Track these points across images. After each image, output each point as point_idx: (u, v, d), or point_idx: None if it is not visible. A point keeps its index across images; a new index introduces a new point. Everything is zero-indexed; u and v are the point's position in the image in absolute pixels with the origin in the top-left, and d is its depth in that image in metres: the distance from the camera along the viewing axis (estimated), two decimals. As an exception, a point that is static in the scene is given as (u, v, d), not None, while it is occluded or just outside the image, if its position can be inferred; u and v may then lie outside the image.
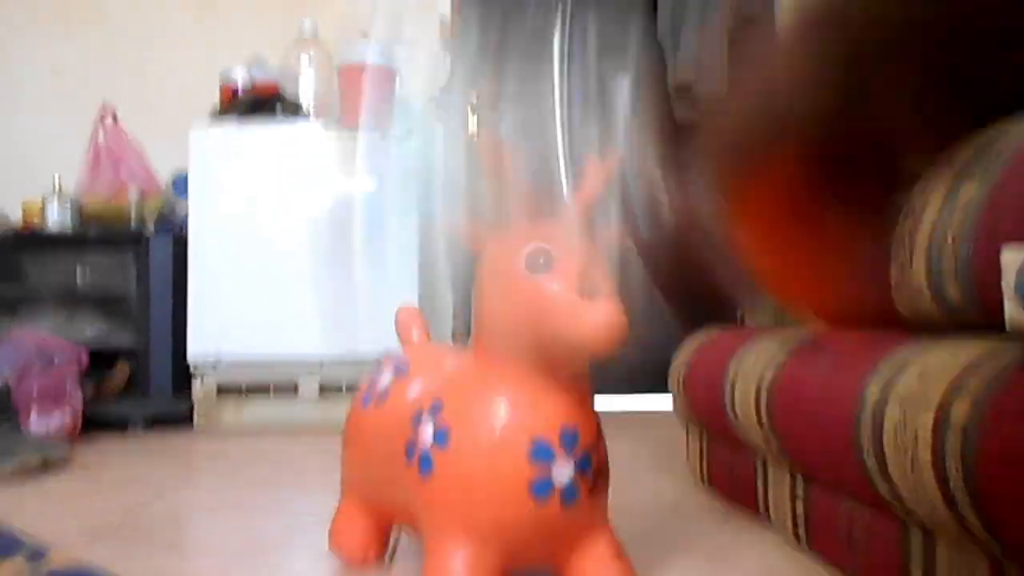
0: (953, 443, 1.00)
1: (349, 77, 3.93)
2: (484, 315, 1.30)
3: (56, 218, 3.82)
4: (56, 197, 3.82)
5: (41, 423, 3.05)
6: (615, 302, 1.19)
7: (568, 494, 1.26)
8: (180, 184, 3.87)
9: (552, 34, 4.48)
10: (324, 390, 3.71)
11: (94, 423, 3.38)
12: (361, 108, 3.88)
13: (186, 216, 3.72)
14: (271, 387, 3.71)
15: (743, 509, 2.00)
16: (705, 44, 4.35)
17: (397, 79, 4.00)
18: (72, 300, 3.85)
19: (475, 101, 4.59)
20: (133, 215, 3.93)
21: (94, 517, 2.03)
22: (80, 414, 3.23)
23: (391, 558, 1.66)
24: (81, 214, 3.91)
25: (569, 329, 1.18)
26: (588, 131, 4.27)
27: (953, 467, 1.00)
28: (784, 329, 1.83)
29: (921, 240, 1.35)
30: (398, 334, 1.66)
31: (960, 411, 1.00)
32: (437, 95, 4.57)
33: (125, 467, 2.79)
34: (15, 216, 3.96)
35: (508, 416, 1.25)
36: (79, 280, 3.86)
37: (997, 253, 0.96)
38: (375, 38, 4.09)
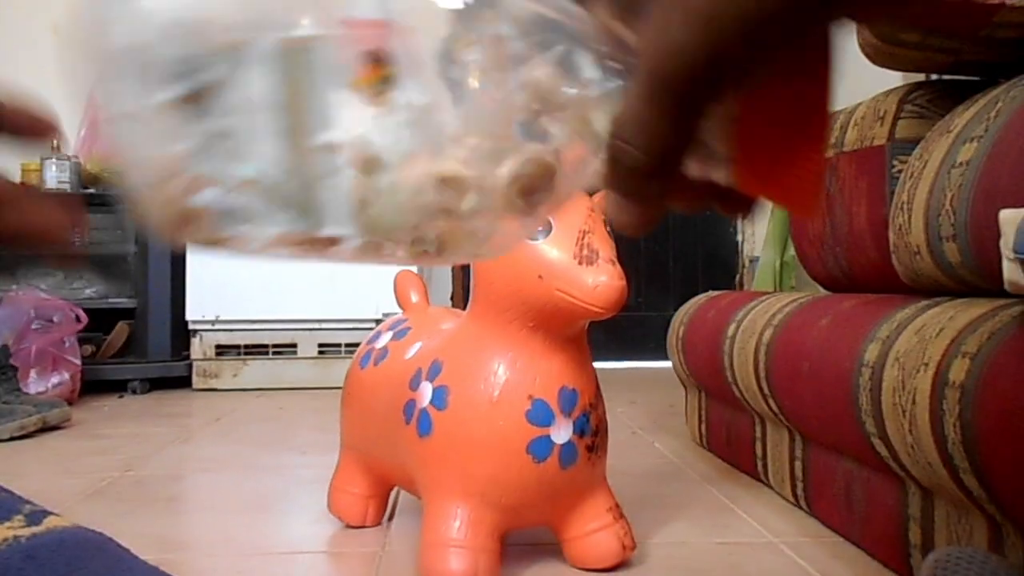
0: (951, 402, 1.00)
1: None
2: (483, 279, 1.30)
3: (55, 178, 3.80)
4: (55, 157, 3.81)
5: (40, 384, 3.06)
6: (614, 266, 1.19)
7: (566, 454, 1.26)
8: (178, 144, 3.86)
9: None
10: (323, 350, 3.72)
11: (93, 383, 3.39)
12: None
13: (184, 176, 3.71)
14: (270, 347, 3.71)
15: (742, 470, 2.01)
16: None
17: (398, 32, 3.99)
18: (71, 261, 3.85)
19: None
20: (131, 175, 3.91)
21: (93, 477, 2.04)
22: (79, 375, 3.23)
23: (389, 518, 1.67)
24: (80, 174, 3.90)
25: (567, 294, 1.18)
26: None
27: (951, 426, 1.00)
28: (784, 293, 1.83)
29: (919, 201, 1.35)
30: (397, 297, 1.65)
31: (958, 370, 1.00)
32: (439, 48, 4.55)
33: (123, 427, 2.79)
34: (13, 176, 3.95)
35: (507, 376, 1.25)
36: (77, 240, 3.85)
37: (995, 214, 0.95)
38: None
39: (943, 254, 1.29)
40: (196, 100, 0.41)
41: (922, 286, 1.42)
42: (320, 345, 3.72)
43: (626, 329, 4.42)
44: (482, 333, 1.29)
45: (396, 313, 1.64)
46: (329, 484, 1.63)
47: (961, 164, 1.26)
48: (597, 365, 1.34)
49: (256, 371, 3.70)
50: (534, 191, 0.44)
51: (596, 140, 0.45)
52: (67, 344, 3.21)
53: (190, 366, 3.68)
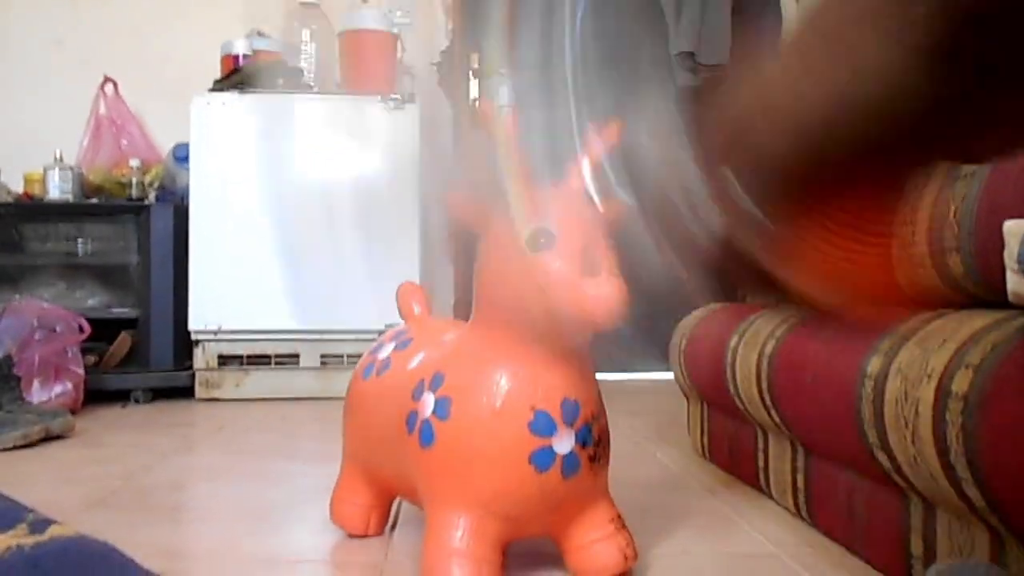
0: (954, 413, 1.00)
1: (351, 44, 3.91)
2: (486, 290, 1.30)
3: (57, 188, 3.81)
4: (57, 167, 3.82)
5: (43, 393, 3.06)
6: (615, 278, 1.19)
7: (569, 465, 1.26)
8: (181, 154, 3.87)
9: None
10: (325, 361, 3.72)
11: (95, 393, 3.39)
12: (363, 75, 3.87)
13: (187, 186, 3.71)
14: (272, 357, 3.71)
15: (744, 481, 2.01)
16: (708, 11, 4.34)
17: (399, 44, 3.99)
18: (73, 270, 3.85)
19: (477, 66, 4.58)
20: (134, 185, 3.92)
21: (96, 486, 2.04)
22: (82, 384, 3.23)
23: (392, 528, 1.67)
24: (82, 184, 3.90)
25: (570, 306, 1.18)
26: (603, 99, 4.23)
27: (953, 438, 1.00)
28: (787, 305, 1.83)
29: (923, 213, 1.35)
30: (399, 308, 1.66)
31: (961, 382, 1.00)
32: (439, 60, 4.56)
33: (126, 437, 2.79)
34: (16, 187, 3.96)
35: (509, 387, 1.25)
36: (80, 250, 3.86)
37: (999, 225, 0.96)
38: (376, 3, 4.08)
39: (947, 266, 1.29)
40: None
41: (925, 297, 1.42)
42: (323, 356, 3.72)
43: (628, 340, 4.41)
44: (484, 344, 1.30)
45: (398, 324, 1.64)
46: (331, 494, 1.63)
47: (965, 176, 1.26)
48: (599, 376, 1.34)
49: (258, 381, 3.70)
50: None
51: None
52: (70, 354, 3.20)
53: (193, 376, 3.68)
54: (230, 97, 3.71)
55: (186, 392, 3.68)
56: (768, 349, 1.68)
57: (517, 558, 1.39)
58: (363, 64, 3.89)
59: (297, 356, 3.72)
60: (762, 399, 1.70)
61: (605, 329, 1.19)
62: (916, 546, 1.25)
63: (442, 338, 1.44)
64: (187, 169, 3.74)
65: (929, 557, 1.22)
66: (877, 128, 0.47)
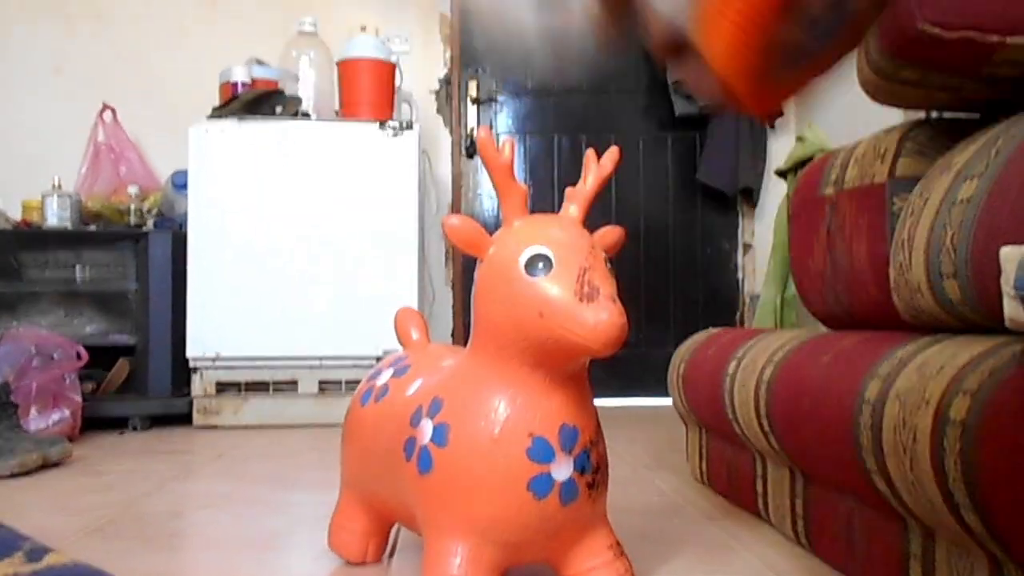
0: (952, 440, 1.00)
1: (349, 72, 3.93)
2: (484, 316, 1.30)
3: (56, 216, 3.82)
4: (56, 195, 3.82)
5: (40, 421, 3.05)
6: (614, 303, 1.19)
7: (567, 491, 1.26)
8: (180, 181, 3.87)
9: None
10: (323, 387, 3.71)
11: (93, 420, 3.39)
12: (361, 102, 3.89)
13: (185, 213, 3.72)
14: (270, 384, 3.71)
15: (742, 507, 2.00)
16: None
17: (397, 72, 4.00)
18: (71, 298, 3.85)
19: (475, 94, 4.60)
20: (132, 212, 3.93)
21: (93, 514, 2.03)
22: (79, 412, 3.23)
23: (390, 555, 1.66)
24: (81, 212, 3.91)
25: (568, 331, 1.18)
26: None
27: (952, 464, 1.00)
28: (784, 330, 1.83)
29: (920, 239, 1.35)
30: (397, 334, 1.65)
31: (959, 408, 1.00)
32: (437, 88, 4.58)
33: (124, 464, 2.79)
34: (15, 214, 3.97)
35: (507, 414, 1.25)
36: (78, 278, 3.86)
37: (995, 251, 0.96)
38: (374, 33, 4.10)
39: (944, 291, 1.29)
40: None
41: (923, 323, 1.42)
42: (321, 382, 3.72)
43: (627, 366, 4.41)
44: (483, 370, 1.29)
45: (397, 350, 1.64)
46: (330, 521, 1.63)
47: (962, 201, 1.26)
48: (598, 402, 1.33)
49: (257, 408, 3.70)
50: None
51: None
52: (68, 381, 3.20)
53: (191, 403, 3.68)
54: (229, 124, 3.71)
55: (184, 419, 3.67)
56: (766, 375, 1.68)
57: (516, 585, 1.39)
58: (361, 92, 3.90)
59: (295, 383, 3.71)
60: (760, 425, 1.70)
61: (604, 355, 1.19)
62: (915, 573, 1.25)
63: (440, 364, 1.44)
64: (186, 196, 3.74)
65: (929, 584, 1.22)
66: None
